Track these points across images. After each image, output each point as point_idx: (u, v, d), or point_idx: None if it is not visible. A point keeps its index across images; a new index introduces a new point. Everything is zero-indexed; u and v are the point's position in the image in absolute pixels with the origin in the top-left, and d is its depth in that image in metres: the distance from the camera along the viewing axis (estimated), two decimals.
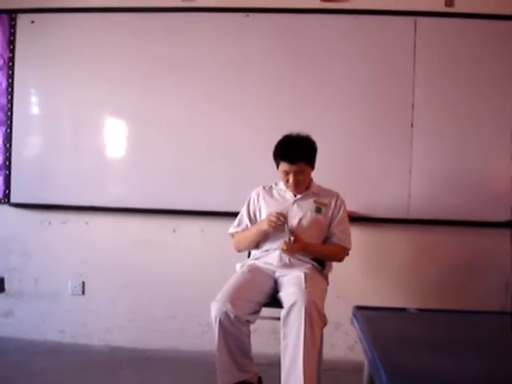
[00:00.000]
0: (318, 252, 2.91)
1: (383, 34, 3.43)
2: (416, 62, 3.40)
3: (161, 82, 3.55)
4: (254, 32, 3.49)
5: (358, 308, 2.05)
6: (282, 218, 2.77)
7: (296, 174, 2.85)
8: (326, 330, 2.68)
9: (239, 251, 3.06)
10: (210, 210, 3.51)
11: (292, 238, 2.74)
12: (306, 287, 2.61)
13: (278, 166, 2.91)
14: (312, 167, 2.94)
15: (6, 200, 3.67)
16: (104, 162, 3.62)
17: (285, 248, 2.75)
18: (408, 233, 3.49)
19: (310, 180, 3.00)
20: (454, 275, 3.46)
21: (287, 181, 2.88)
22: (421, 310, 2.11)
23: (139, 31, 3.55)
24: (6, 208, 3.69)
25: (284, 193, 3.00)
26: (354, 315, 1.99)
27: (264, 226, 2.83)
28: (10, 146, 3.64)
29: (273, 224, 2.77)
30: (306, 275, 2.72)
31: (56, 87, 3.63)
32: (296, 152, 2.83)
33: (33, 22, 3.63)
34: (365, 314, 1.98)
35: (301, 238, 2.78)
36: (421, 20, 3.39)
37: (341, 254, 2.94)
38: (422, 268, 3.48)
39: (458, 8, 3.42)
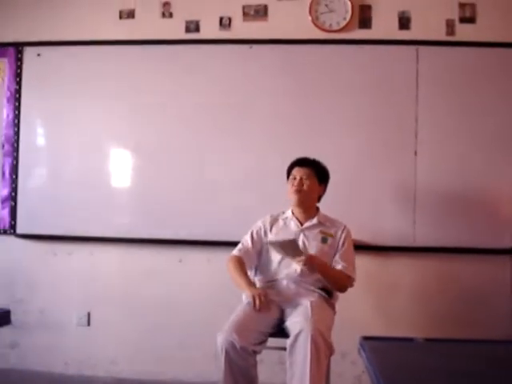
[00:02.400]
0: (327, 270, 2.85)
1: (386, 63, 3.46)
2: (419, 91, 3.42)
3: (165, 113, 3.58)
4: (258, 62, 3.52)
5: (365, 338, 2.03)
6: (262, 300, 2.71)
7: (302, 179, 2.94)
8: (332, 359, 2.66)
9: None
10: (216, 240, 3.49)
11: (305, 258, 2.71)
12: (312, 316, 2.59)
13: (288, 179, 3.02)
14: (320, 185, 3.00)
15: (12, 231, 3.68)
16: (109, 192, 3.63)
17: (305, 264, 2.71)
18: (414, 260, 3.46)
19: (317, 209, 3.03)
20: (461, 303, 3.42)
21: (292, 185, 2.95)
22: (428, 340, 2.08)
23: (143, 63, 3.60)
24: (11, 239, 3.71)
25: (290, 221, 3.01)
26: (361, 345, 1.97)
27: (249, 296, 2.78)
28: (16, 177, 3.67)
29: (256, 304, 2.70)
30: (312, 304, 2.71)
31: (61, 118, 3.67)
32: (306, 159, 3.00)
33: (39, 54, 3.69)
34: (372, 344, 1.96)
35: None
36: (422, 49, 3.42)
37: (344, 280, 2.88)
38: (428, 296, 3.45)
39: (459, 37, 3.45)
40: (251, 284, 2.86)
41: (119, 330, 3.65)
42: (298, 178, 2.96)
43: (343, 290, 2.92)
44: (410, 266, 3.46)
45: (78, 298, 3.69)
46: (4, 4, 3.78)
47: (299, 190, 2.94)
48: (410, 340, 2.09)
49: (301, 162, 3.01)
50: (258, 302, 2.68)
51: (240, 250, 2.99)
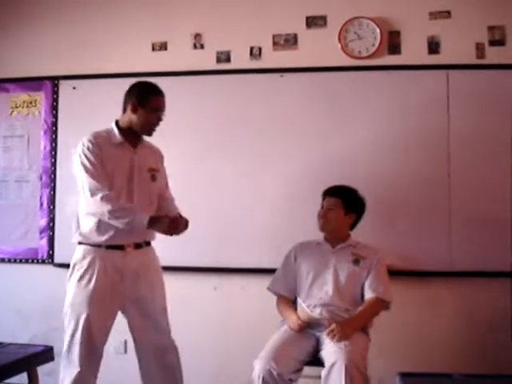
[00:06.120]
0: (363, 323, 2.88)
1: (416, 87, 3.46)
2: (450, 114, 3.41)
3: (196, 143, 3.63)
4: (289, 90, 3.55)
5: (404, 375, 2.01)
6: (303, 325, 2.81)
7: (327, 209, 2.99)
8: None
9: None
10: (251, 268, 3.52)
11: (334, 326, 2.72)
12: (346, 345, 2.60)
13: None
14: (348, 214, 3.01)
15: (50, 260, 3.77)
16: None
17: (335, 337, 2.68)
18: (452, 286, 3.40)
19: (348, 235, 3.05)
20: (505, 333, 3.32)
21: (318, 213, 3.02)
22: (467, 376, 2.04)
23: (175, 93, 3.62)
24: (49, 268, 3.78)
25: (322, 246, 3.04)
26: (400, 382, 1.96)
27: (291, 325, 2.87)
28: (54, 207, 3.75)
29: (297, 329, 2.82)
30: None
31: None
32: (334, 188, 3.03)
33: (74, 87, 3.78)
34: (410, 381, 1.94)
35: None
36: (453, 73, 3.42)
37: (377, 308, 2.89)
38: (467, 325, 3.39)
39: (489, 60, 3.45)
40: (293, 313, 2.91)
41: None
42: (324, 207, 3.01)
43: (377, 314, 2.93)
44: (447, 292, 3.41)
45: (115, 326, 3.71)
46: (40, 39, 3.90)
47: (323, 220, 3.00)
48: (449, 376, 2.06)
49: (329, 192, 3.04)
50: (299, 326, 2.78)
51: (273, 283, 3.08)
